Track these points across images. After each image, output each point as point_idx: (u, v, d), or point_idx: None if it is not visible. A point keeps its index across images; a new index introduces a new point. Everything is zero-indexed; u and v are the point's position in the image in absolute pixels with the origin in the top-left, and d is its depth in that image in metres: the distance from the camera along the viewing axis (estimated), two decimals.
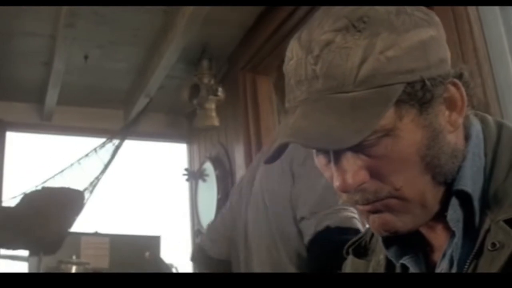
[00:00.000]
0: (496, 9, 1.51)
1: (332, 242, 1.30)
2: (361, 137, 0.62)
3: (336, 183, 0.67)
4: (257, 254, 1.50)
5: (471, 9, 1.52)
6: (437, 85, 0.66)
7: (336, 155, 0.67)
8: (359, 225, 1.36)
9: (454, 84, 0.69)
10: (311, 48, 0.67)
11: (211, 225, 1.74)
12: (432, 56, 0.66)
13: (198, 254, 1.72)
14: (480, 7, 1.52)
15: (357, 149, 0.65)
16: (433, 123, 0.66)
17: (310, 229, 1.35)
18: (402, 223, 0.68)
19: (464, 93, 0.69)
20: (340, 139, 0.62)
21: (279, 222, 1.46)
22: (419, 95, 0.65)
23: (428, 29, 0.67)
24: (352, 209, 1.36)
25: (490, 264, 0.61)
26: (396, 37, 0.65)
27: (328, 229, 1.32)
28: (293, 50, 0.70)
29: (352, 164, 0.66)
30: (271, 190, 1.52)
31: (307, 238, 1.36)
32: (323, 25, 0.67)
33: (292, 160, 1.46)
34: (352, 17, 0.66)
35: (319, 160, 0.71)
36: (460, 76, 0.70)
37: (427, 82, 0.65)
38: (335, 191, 1.55)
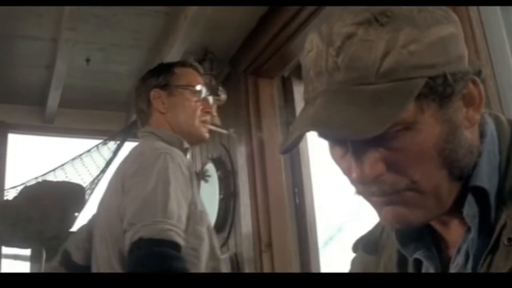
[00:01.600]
0: (498, 11, 1.51)
1: (142, 254, 1.37)
2: (384, 128, 0.62)
3: (353, 174, 0.67)
4: (101, 266, 1.56)
5: (473, 10, 1.52)
6: (458, 81, 0.67)
7: (354, 147, 0.67)
8: (176, 238, 1.40)
9: (473, 81, 0.70)
10: (332, 40, 0.66)
11: (78, 232, 1.82)
12: (452, 52, 0.67)
13: (64, 258, 1.78)
14: (482, 9, 1.52)
15: (376, 141, 0.65)
16: (452, 117, 0.67)
17: (127, 240, 1.41)
18: (415, 216, 0.69)
19: (482, 91, 0.70)
20: (362, 129, 0.62)
21: (112, 235, 1.52)
22: (440, 90, 0.65)
23: (448, 26, 0.68)
24: (171, 221, 1.41)
25: (506, 259, 0.63)
26: (418, 33, 0.65)
27: (141, 240, 1.37)
28: (313, 42, 0.69)
29: (370, 156, 0.66)
30: (106, 203, 1.60)
31: (126, 249, 1.42)
32: (344, 18, 0.67)
33: (124, 174, 1.54)
34: (375, 11, 0.66)
35: (335, 152, 0.71)
36: (478, 73, 0.71)
37: (449, 77, 0.65)
38: (172, 201, 1.62)
